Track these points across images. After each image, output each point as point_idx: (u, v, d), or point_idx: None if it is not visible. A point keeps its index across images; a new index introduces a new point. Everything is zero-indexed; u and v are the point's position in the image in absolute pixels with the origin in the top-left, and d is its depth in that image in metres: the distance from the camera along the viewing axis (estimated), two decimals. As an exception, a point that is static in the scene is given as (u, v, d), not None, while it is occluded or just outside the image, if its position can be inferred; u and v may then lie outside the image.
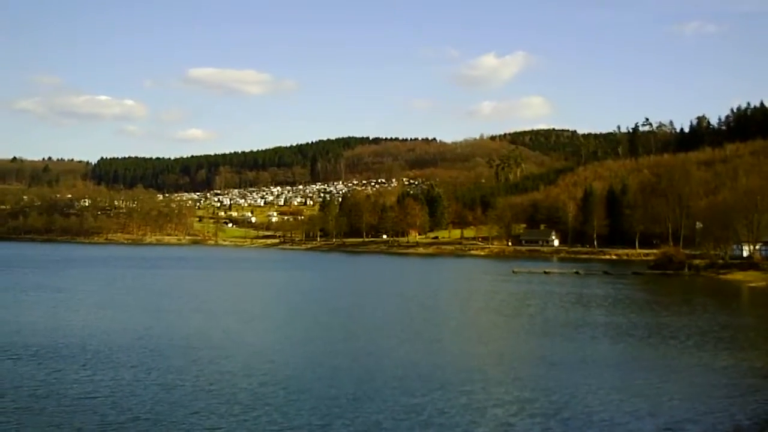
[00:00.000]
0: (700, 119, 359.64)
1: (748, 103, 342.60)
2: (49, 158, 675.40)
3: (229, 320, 65.87)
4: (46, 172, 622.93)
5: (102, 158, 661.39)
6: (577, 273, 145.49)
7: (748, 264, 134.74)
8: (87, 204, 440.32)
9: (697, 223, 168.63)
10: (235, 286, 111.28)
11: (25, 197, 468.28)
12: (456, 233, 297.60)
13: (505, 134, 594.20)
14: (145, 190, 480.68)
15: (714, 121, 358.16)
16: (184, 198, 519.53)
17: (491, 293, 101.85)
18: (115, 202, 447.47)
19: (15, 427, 29.27)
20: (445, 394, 34.76)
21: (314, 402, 32.98)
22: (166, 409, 31.44)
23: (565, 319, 69.55)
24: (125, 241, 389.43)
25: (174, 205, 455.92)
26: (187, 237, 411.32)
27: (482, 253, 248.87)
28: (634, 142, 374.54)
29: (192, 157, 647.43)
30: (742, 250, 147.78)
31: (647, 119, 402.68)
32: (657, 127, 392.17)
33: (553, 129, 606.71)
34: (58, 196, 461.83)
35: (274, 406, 32.20)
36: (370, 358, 44.42)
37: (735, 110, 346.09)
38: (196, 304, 79.33)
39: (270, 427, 29.06)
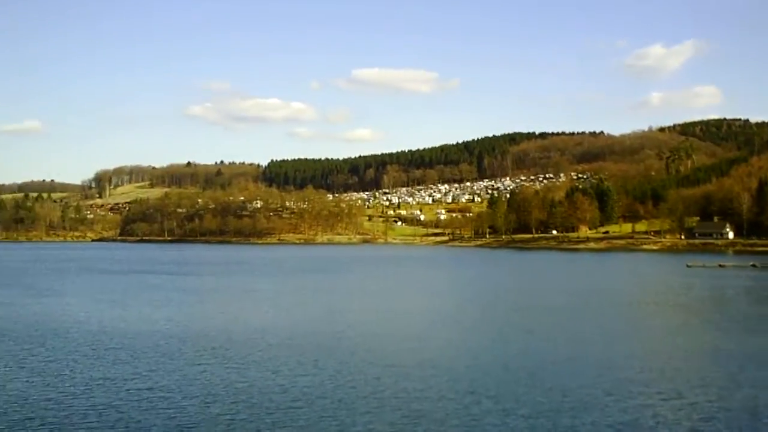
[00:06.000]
0: None
1: None
2: (222, 162, 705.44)
3: (417, 317, 69.69)
4: (219, 176, 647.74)
5: (272, 160, 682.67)
6: (753, 266, 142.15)
7: None
8: (259, 205, 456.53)
9: None
10: (414, 283, 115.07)
11: (200, 200, 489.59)
12: (627, 227, 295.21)
13: (674, 125, 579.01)
14: (315, 190, 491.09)
15: None
16: (354, 197, 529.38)
17: (666, 288, 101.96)
18: (287, 203, 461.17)
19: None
20: (648, 397, 35.77)
21: (527, 409, 33.54)
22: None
23: (753, 315, 69.15)
24: (297, 241, 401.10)
25: (344, 205, 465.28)
26: (357, 236, 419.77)
27: (654, 248, 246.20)
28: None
29: (360, 156, 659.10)
30: None
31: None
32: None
33: (725, 118, 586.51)
34: (231, 198, 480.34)
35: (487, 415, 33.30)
36: (566, 361, 45.27)
37: None
38: (385, 304, 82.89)
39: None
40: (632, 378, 40.16)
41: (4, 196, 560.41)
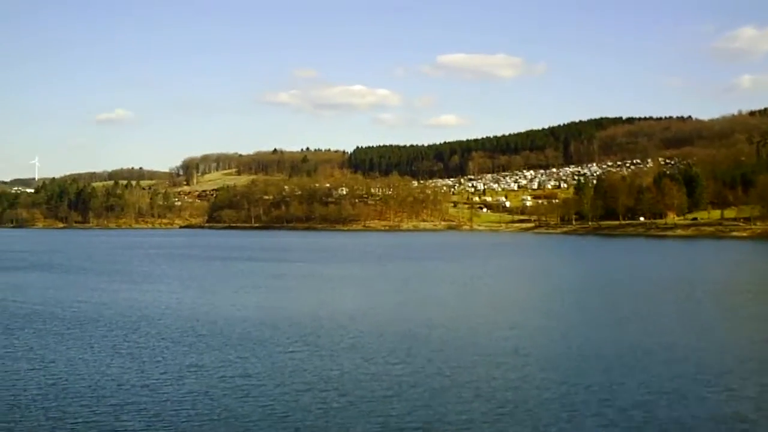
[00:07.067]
0: None
1: None
2: (308, 149, 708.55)
3: (507, 304, 69.50)
4: (305, 163, 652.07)
5: (358, 147, 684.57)
6: None
7: None
8: (344, 192, 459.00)
9: None
10: (503, 270, 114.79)
11: (286, 187, 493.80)
12: (715, 214, 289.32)
13: (765, 109, 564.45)
14: (400, 177, 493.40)
15: None
16: (439, 184, 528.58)
17: (758, 276, 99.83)
18: (372, 190, 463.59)
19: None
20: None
21: (622, 400, 33.02)
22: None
23: None
24: (382, 228, 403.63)
25: (429, 192, 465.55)
26: (443, 222, 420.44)
27: (744, 234, 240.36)
28: None
29: (445, 143, 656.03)
30: None
31: None
32: None
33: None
34: (317, 185, 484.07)
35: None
36: (660, 351, 44.09)
37: None
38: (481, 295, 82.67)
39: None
40: (731, 369, 39.13)
41: (95, 184, 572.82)
